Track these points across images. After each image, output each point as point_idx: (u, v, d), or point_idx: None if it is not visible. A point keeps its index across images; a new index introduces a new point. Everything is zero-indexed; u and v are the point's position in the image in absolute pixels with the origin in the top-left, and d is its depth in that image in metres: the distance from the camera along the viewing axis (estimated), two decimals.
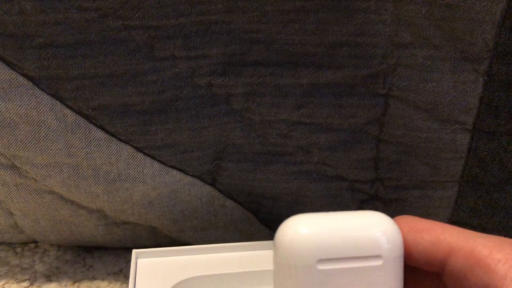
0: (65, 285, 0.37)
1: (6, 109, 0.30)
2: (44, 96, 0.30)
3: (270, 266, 0.32)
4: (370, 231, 0.20)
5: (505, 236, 0.22)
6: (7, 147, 0.32)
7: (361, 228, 0.20)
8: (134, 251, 0.33)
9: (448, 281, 0.21)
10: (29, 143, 0.32)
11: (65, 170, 0.33)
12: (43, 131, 0.31)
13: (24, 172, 0.33)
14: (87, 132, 0.32)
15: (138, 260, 0.33)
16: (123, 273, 0.39)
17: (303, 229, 0.20)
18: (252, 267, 0.33)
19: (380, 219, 0.21)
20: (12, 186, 0.34)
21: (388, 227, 0.20)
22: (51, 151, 0.32)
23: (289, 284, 0.20)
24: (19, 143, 0.32)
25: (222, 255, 0.34)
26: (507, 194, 0.34)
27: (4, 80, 0.30)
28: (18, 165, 0.33)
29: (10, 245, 0.41)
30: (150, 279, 0.31)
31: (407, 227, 0.21)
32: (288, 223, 0.20)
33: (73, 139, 0.32)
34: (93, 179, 0.33)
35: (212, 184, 0.35)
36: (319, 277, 0.19)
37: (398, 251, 0.20)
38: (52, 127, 0.31)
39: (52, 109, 0.31)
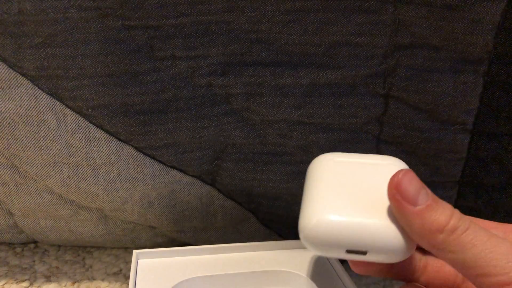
0: (65, 285, 0.37)
1: (5, 109, 0.30)
2: (44, 96, 0.30)
3: (268, 267, 0.33)
4: None
5: None
6: (7, 147, 0.32)
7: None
8: (134, 251, 0.33)
9: None
10: (29, 143, 0.32)
11: (65, 170, 0.33)
12: (43, 130, 0.31)
13: (23, 172, 0.33)
14: (87, 132, 0.32)
15: (139, 260, 0.33)
16: (122, 273, 0.39)
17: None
18: (252, 267, 0.33)
19: None
20: (12, 186, 0.34)
21: None
22: (50, 151, 0.32)
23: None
24: (18, 142, 0.32)
25: (222, 256, 0.34)
26: (507, 195, 0.34)
27: (3, 80, 0.30)
28: (17, 164, 0.33)
29: (10, 245, 0.41)
30: (151, 280, 0.31)
31: None
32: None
33: (73, 139, 0.32)
34: (93, 179, 0.33)
35: (212, 184, 0.35)
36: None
37: None
38: (51, 127, 0.31)
39: (52, 109, 0.31)
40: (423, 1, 0.29)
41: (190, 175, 0.35)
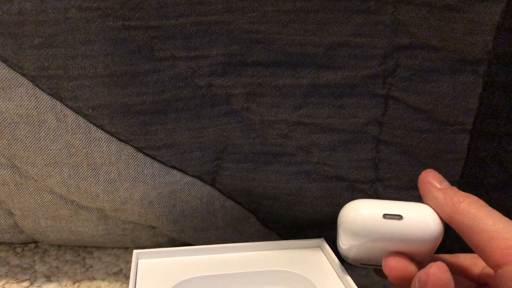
0: (65, 285, 0.37)
1: (6, 109, 0.30)
2: (44, 96, 0.30)
3: (268, 267, 0.33)
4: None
5: None
6: (7, 147, 0.32)
7: None
8: (135, 251, 0.33)
9: None
10: (29, 143, 0.32)
11: (65, 170, 0.33)
12: (43, 131, 0.31)
13: (24, 172, 0.33)
14: (87, 132, 0.32)
15: (139, 260, 0.33)
16: (123, 273, 0.39)
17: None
18: (251, 267, 0.33)
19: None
20: (12, 186, 0.34)
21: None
22: (51, 151, 0.32)
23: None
24: (19, 143, 0.32)
25: (222, 256, 0.34)
26: (507, 195, 0.34)
27: (4, 80, 0.30)
28: (18, 165, 0.33)
29: (10, 245, 0.41)
30: (151, 280, 0.31)
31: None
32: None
33: (73, 139, 0.32)
34: (93, 179, 0.33)
35: (212, 184, 0.35)
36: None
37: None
38: (52, 127, 0.31)
39: (52, 109, 0.31)
40: (422, 2, 0.29)
41: (190, 175, 0.35)
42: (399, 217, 0.27)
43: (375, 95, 0.32)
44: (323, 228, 0.38)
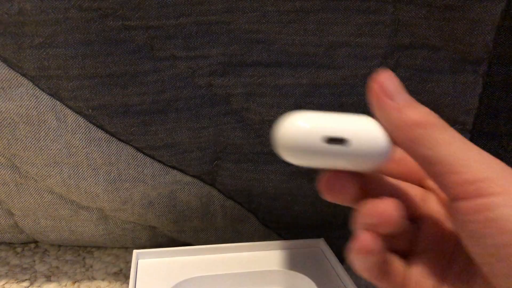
0: (65, 285, 0.37)
1: (6, 109, 0.30)
2: (44, 96, 0.30)
3: (268, 267, 0.33)
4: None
5: None
6: (7, 147, 0.32)
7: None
8: (135, 251, 0.33)
9: None
10: (29, 143, 0.32)
11: (65, 170, 0.33)
12: (43, 131, 0.31)
13: (24, 172, 0.33)
14: (87, 132, 0.32)
15: (139, 260, 0.33)
16: (123, 273, 0.39)
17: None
18: (251, 267, 0.33)
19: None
20: (12, 186, 0.34)
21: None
22: (51, 151, 0.32)
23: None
24: (19, 142, 0.32)
25: (222, 256, 0.34)
26: None
27: (4, 80, 0.30)
28: (18, 165, 0.33)
29: (11, 245, 0.41)
30: (151, 280, 0.31)
31: None
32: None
33: (73, 139, 0.32)
34: (93, 179, 0.33)
35: (212, 184, 0.35)
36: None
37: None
38: (52, 127, 0.31)
39: (52, 109, 0.31)
40: (423, 2, 0.29)
41: (190, 175, 0.35)
42: (343, 141, 0.22)
43: None
44: (323, 228, 0.38)
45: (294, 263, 0.33)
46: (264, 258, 0.34)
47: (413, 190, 0.26)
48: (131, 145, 0.33)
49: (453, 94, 0.31)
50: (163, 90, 0.31)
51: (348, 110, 0.33)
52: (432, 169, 0.21)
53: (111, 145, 0.32)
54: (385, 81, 0.22)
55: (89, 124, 0.32)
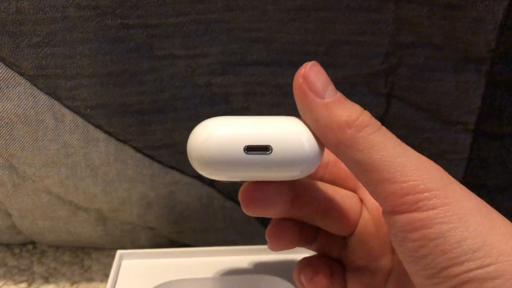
0: (63, 286, 0.37)
1: (3, 108, 0.30)
2: (42, 95, 0.30)
3: (255, 272, 0.32)
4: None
5: None
6: (4, 147, 0.32)
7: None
8: (118, 252, 0.33)
9: None
10: (27, 143, 0.32)
11: (63, 170, 0.33)
12: (41, 130, 0.31)
13: (22, 172, 0.33)
14: (85, 132, 0.32)
15: (123, 261, 0.33)
16: None
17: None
18: (237, 272, 0.32)
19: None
20: (9, 187, 0.34)
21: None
22: (49, 151, 0.32)
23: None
24: (17, 142, 0.32)
25: (208, 259, 0.33)
26: (509, 195, 0.34)
27: (1, 79, 0.30)
28: (15, 165, 0.33)
29: (8, 246, 0.41)
30: (132, 281, 0.31)
31: None
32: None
33: (71, 139, 0.32)
34: (91, 179, 0.33)
35: (212, 184, 0.35)
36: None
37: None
38: (50, 127, 0.31)
39: (50, 108, 0.31)
40: (424, 0, 0.29)
41: (189, 176, 0.34)
42: (266, 149, 0.19)
43: (377, 94, 0.32)
44: None
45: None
46: (252, 263, 0.33)
47: (348, 202, 0.23)
48: (130, 145, 0.32)
49: (456, 93, 0.31)
50: (162, 89, 0.31)
51: None
52: (367, 177, 0.18)
53: (109, 145, 0.32)
54: (312, 75, 0.19)
55: (87, 124, 0.31)
